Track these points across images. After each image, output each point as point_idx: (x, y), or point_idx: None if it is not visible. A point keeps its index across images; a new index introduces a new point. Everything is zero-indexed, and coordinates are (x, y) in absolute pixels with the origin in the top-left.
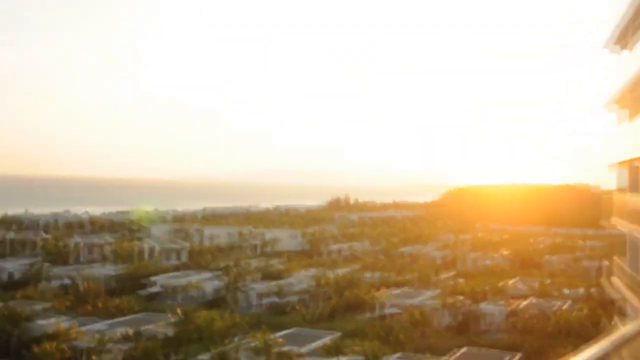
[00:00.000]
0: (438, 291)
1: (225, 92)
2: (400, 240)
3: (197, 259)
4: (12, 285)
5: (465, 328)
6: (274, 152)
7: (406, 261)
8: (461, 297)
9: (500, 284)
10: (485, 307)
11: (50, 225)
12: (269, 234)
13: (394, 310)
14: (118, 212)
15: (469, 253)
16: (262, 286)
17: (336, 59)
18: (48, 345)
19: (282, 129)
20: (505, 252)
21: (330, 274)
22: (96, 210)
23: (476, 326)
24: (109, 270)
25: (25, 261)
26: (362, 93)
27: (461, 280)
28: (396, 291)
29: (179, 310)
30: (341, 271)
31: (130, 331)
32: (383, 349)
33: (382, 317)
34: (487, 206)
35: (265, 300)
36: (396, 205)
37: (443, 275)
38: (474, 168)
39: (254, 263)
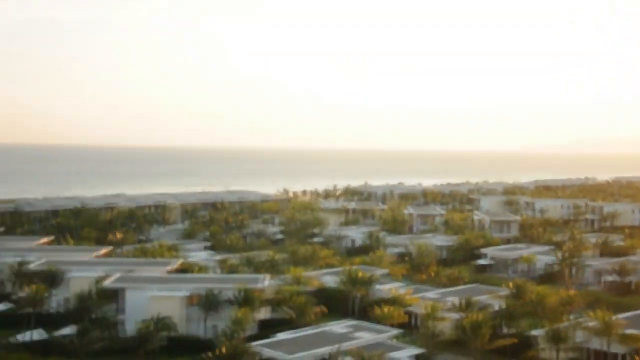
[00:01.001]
0: None
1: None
2: None
3: (527, 232)
4: (354, 251)
5: None
6: (615, 118)
7: None
8: None
9: None
10: None
11: (387, 196)
12: (608, 208)
13: None
14: (448, 184)
15: None
16: (600, 263)
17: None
18: (386, 309)
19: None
20: None
21: None
22: (428, 182)
23: None
24: (440, 240)
25: (365, 229)
26: None
27: None
28: None
29: (510, 284)
30: None
31: (461, 301)
32: None
33: None
34: None
35: (603, 278)
36: None
37: None
38: None
39: (591, 238)
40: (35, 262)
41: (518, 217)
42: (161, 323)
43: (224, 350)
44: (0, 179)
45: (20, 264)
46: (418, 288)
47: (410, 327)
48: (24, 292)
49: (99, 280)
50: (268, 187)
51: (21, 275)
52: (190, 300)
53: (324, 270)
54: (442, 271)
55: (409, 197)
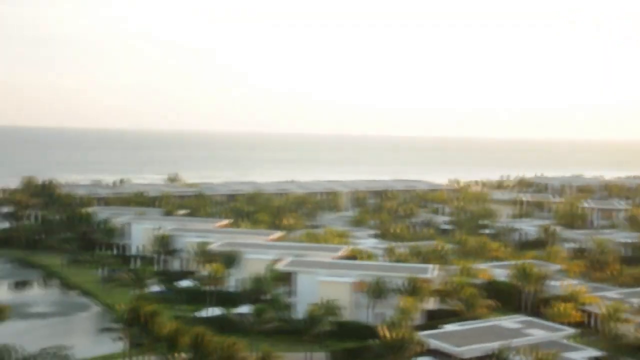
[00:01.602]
0: None
1: None
2: None
3: None
4: (526, 245)
5: None
6: None
7: None
8: None
9: None
10: None
11: (563, 188)
12: None
13: None
14: (635, 177)
15: None
16: None
17: None
18: (560, 307)
19: None
20: None
21: None
22: (610, 174)
23: None
24: (623, 237)
25: (538, 223)
26: None
27: None
28: None
29: None
30: None
31: None
32: None
33: None
34: None
35: None
36: None
37: None
38: None
39: None
40: (216, 243)
41: None
42: (329, 307)
43: (390, 338)
44: (188, 165)
45: (203, 244)
46: (596, 287)
47: (587, 328)
48: (206, 271)
49: (272, 263)
50: (434, 177)
51: (203, 254)
52: (357, 287)
53: (494, 263)
54: (625, 270)
55: (587, 189)
